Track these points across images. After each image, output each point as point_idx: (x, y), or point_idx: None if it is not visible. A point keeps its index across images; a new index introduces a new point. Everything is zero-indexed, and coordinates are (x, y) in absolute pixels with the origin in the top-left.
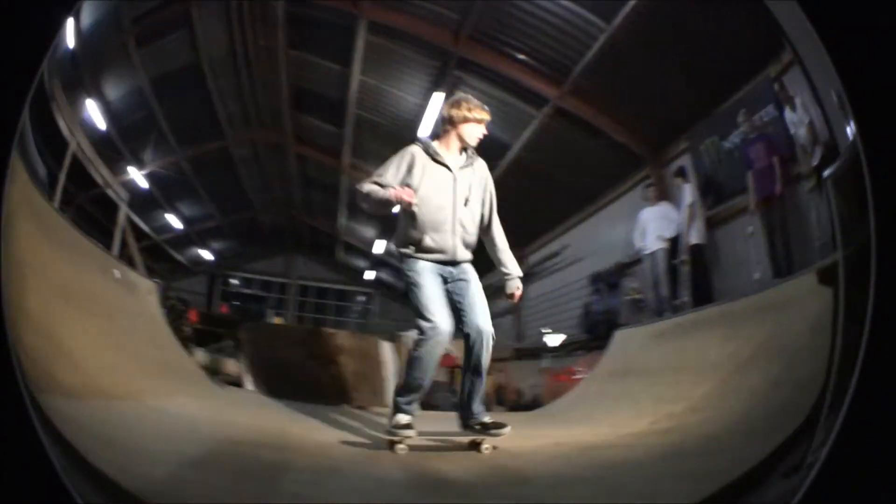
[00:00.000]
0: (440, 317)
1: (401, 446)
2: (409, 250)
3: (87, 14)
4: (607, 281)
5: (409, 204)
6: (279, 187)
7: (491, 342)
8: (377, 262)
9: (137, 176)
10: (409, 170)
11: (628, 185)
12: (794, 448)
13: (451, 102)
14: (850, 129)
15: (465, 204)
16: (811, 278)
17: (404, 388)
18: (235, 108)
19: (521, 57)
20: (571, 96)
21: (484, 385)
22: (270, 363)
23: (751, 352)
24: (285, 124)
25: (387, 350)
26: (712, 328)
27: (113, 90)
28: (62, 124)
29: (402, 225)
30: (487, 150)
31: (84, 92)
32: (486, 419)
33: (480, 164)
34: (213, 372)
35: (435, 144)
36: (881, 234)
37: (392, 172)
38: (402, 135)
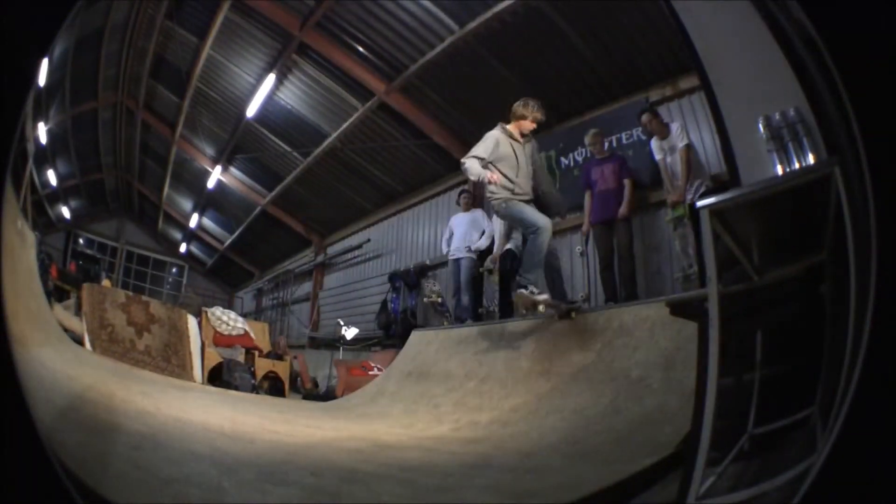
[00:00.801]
0: (544, 219)
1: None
2: (508, 194)
3: None
4: (407, 280)
5: (493, 181)
6: (123, 152)
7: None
8: (191, 236)
9: (42, 131)
10: (496, 146)
11: (440, 188)
12: (651, 484)
13: (523, 103)
14: (776, 160)
15: (528, 164)
16: (660, 309)
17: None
18: (111, 73)
19: (361, 50)
20: (399, 93)
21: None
22: (101, 325)
23: (571, 372)
24: (141, 91)
25: (193, 324)
26: (520, 342)
27: (57, 48)
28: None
29: (501, 183)
30: (304, 136)
31: (37, 47)
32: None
33: (532, 141)
34: (64, 328)
35: (509, 128)
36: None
37: (482, 150)
38: (230, 111)
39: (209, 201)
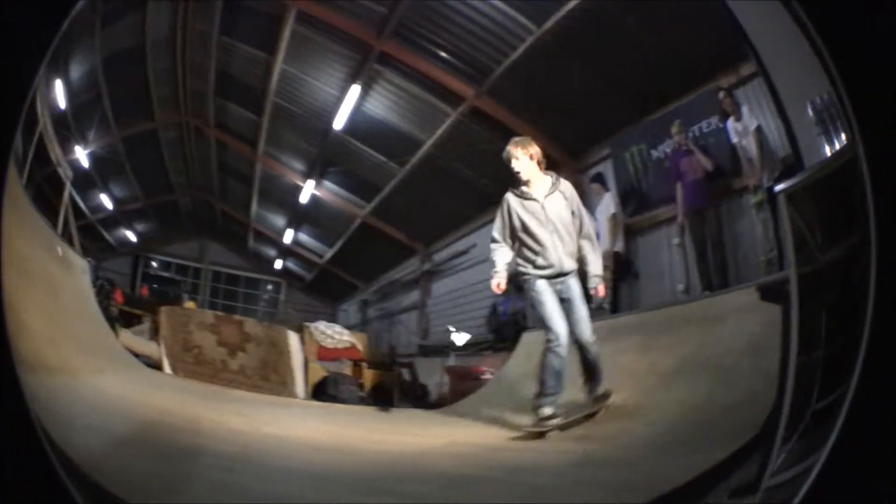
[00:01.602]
0: (562, 326)
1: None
2: (530, 268)
3: None
4: (514, 282)
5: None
6: (198, 172)
7: (594, 348)
8: (286, 252)
9: (81, 155)
10: (510, 216)
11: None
12: (737, 468)
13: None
14: (825, 144)
15: (559, 221)
16: (750, 295)
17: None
18: (167, 91)
19: (442, 55)
20: (489, 97)
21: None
22: (184, 347)
23: (674, 364)
24: (208, 109)
25: (294, 340)
26: (629, 337)
27: (76, 68)
28: (38, 102)
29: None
30: (398, 145)
31: (55, 70)
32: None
33: (565, 185)
34: (136, 353)
35: (522, 186)
36: (873, 243)
37: (498, 227)
38: (315, 125)
39: (304, 216)
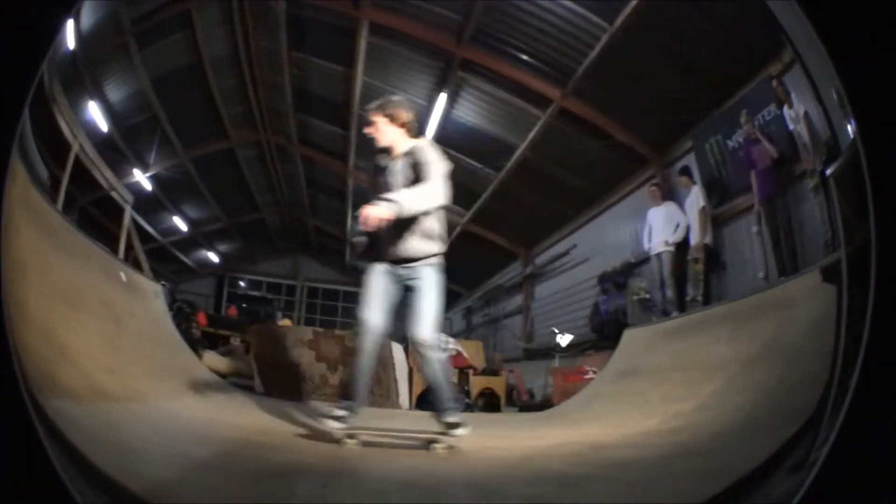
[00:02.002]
0: (375, 316)
1: (351, 441)
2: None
3: (87, 15)
4: (615, 280)
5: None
6: (286, 189)
7: (433, 354)
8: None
9: (142, 178)
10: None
11: (633, 185)
12: (798, 445)
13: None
14: (851, 127)
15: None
16: (815, 276)
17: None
18: (239, 110)
19: (524, 58)
20: (574, 97)
21: (443, 388)
22: (279, 365)
23: (756, 350)
24: (290, 126)
25: (398, 351)
26: (719, 327)
27: (115, 92)
28: (64, 126)
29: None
30: (492, 150)
31: (86, 93)
32: (450, 419)
33: (420, 147)
34: (222, 374)
35: (378, 154)
36: (881, 234)
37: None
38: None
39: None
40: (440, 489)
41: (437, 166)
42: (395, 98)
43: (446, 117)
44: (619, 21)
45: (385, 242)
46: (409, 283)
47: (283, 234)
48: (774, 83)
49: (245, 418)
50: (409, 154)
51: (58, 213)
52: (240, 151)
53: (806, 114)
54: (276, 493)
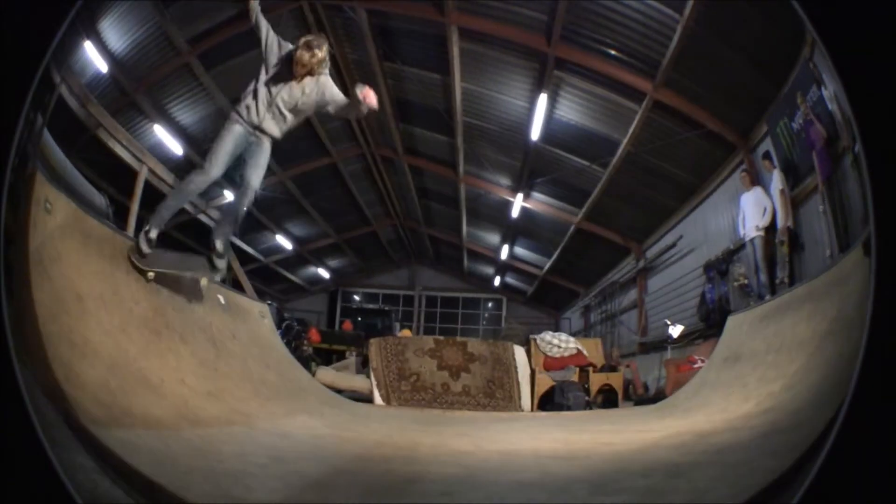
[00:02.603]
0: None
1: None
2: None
3: (115, 37)
4: (718, 268)
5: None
6: (396, 200)
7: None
8: (503, 268)
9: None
10: (280, 58)
11: (725, 172)
12: (839, 421)
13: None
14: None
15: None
16: (858, 252)
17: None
18: (334, 125)
19: (612, 52)
20: (665, 88)
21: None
22: (401, 375)
23: (827, 326)
24: (394, 137)
25: (520, 354)
26: (801, 306)
27: (185, 114)
28: (122, 152)
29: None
30: (597, 147)
31: (143, 116)
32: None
33: (324, 80)
34: (338, 389)
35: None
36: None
37: (273, 42)
38: (512, 138)
39: (517, 230)
40: (558, 486)
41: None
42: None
43: (549, 117)
44: (686, 11)
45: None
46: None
47: (397, 246)
48: (811, 65)
49: (363, 432)
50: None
51: (128, 240)
52: (343, 166)
53: (835, 93)
54: None
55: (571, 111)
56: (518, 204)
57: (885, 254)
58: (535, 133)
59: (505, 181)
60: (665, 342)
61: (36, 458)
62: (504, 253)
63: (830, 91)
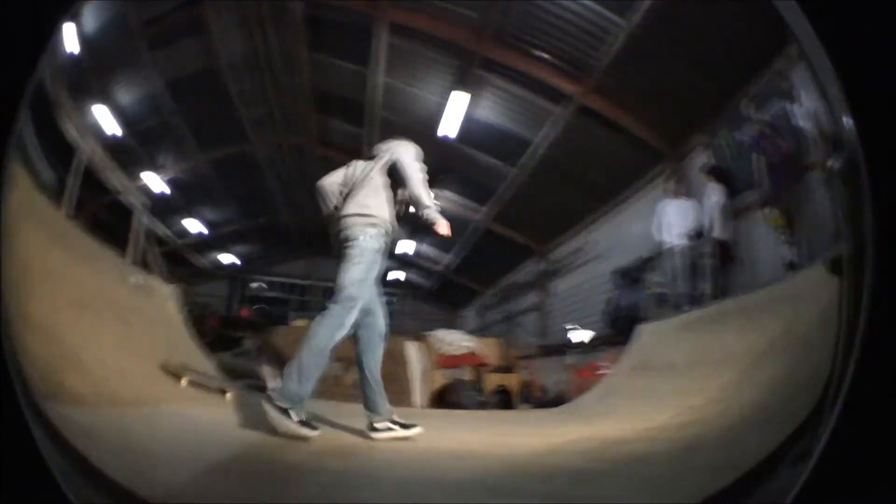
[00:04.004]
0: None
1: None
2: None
3: (90, 17)
4: (630, 276)
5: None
6: (303, 190)
7: None
8: (403, 263)
9: (156, 181)
10: None
11: (648, 180)
12: (802, 436)
13: None
14: (847, 122)
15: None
16: (821, 270)
17: None
18: (258, 112)
19: (544, 56)
20: (594, 94)
21: None
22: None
23: (766, 343)
24: (309, 126)
25: (412, 350)
26: (730, 321)
27: (126, 95)
28: (70, 130)
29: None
30: (510, 147)
31: (92, 97)
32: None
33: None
34: (236, 375)
35: None
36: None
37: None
38: (423, 133)
39: (419, 226)
40: (451, 486)
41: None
42: None
43: (464, 114)
44: (635, 18)
45: None
46: None
47: (300, 235)
48: (781, 79)
49: (258, 420)
50: None
51: (66, 219)
52: (259, 153)
53: (813, 109)
54: (290, 494)
55: (488, 110)
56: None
57: (859, 272)
58: (448, 129)
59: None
60: (566, 346)
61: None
62: (405, 248)
63: (806, 107)
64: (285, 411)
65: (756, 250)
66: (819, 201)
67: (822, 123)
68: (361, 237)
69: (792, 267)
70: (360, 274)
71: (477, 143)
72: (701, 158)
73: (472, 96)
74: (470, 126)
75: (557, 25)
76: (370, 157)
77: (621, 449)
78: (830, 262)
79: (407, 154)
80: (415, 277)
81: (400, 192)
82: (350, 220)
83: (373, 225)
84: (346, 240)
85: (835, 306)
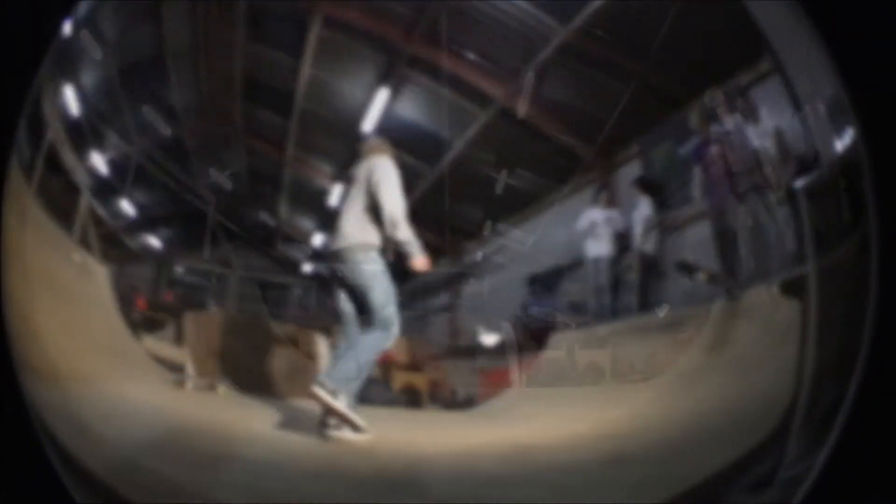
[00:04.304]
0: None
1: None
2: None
3: (108, 19)
4: (545, 283)
5: None
6: (226, 178)
7: None
8: (315, 256)
9: (100, 162)
10: None
11: (571, 188)
12: (755, 463)
13: None
14: (840, 140)
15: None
16: (774, 291)
17: None
18: (191, 99)
19: (471, 56)
20: (520, 96)
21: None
22: (211, 352)
23: (700, 361)
24: (236, 116)
25: (321, 344)
26: (655, 334)
27: (88, 77)
28: (46, 109)
29: None
30: (430, 147)
31: (66, 77)
32: None
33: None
34: (159, 359)
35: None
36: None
37: None
38: (346, 128)
39: (334, 219)
40: (351, 484)
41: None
42: None
43: (385, 111)
44: (573, 24)
45: None
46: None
47: (221, 223)
48: (738, 95)
49: (182, 405)
50: None
51: (32, 196)
52: (188, 140)
53: (776, 128)
54: (210, 481)
55: (408, 108)
56: (337, 193)
57: (828, 293)
58: (369, 125)
59: (329, 169)
60: (477, 349)
61: None
62: (318, 241)
63: (765, 127)
64: (334, 392)
65: (689, 265)
66: (769, 221)
67: (787, 141)
68: (364, 265)
69: (731, 295)
70: (383, 297)
71: (396, 141)
72: (634, 170)
73: (395, 93)
74: (389, 122)
75: (487, 25)
76: (349, 178)
77: (537, 456)
78: (788, 284)
79: (388, 177)
80: (323, 270)
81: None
82: (348, 251)
83: (370, 249)
84: (351, 270)
85: (795, 329)
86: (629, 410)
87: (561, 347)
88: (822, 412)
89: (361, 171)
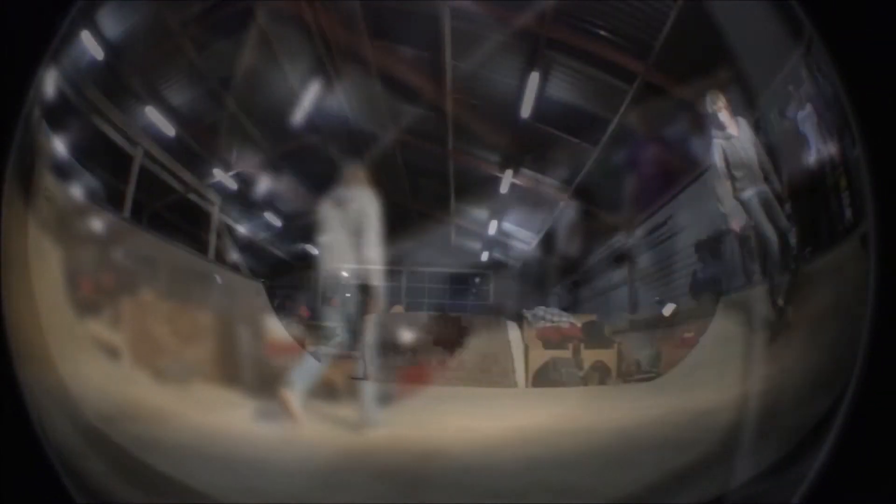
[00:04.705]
0: None
1: None
2: None
3: (110, 23)
4: (710, 248)
5: None
6: (385, 176)
7: None
8: (491, 243)
9: (225, 178)
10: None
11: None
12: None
13: None
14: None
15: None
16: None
17: None
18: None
19: (603, 34)
20: (656, 70)
21: None
22: (395, 352)
23: (823, 308)
24: (382, 115)
25: (513, 330)
26: (802, 292)
27: (178, 95)
28: (116, 136)
29: None
30: (589, 124)
31: (138, 100)
32: None
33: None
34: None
35: None
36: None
37: None
38: (503, 116)
39: (506, 206)
40: (568, 462)
41: None
42: None
43: (539, 96)
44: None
45: None
46: None
47: (386, 221)
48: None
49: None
50: None
51: (126, 223)
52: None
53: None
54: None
55: (561, 90)
56: (507, 180)
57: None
58: (525, 110)
59: (494, 157)
60: (657, 320)
61: None
62: (492, 228)
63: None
64: None
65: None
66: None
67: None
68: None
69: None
70: None
71: (554, 123)
72: None
73: (544, 77)
74: (545, 106)
75: (610, 5)
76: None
77: (707, 420)
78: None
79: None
80: (501, 256)
81: None
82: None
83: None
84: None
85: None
86: (779, 365)
87: (727, 311)
88: (820, 412)
89: (351, 201)
